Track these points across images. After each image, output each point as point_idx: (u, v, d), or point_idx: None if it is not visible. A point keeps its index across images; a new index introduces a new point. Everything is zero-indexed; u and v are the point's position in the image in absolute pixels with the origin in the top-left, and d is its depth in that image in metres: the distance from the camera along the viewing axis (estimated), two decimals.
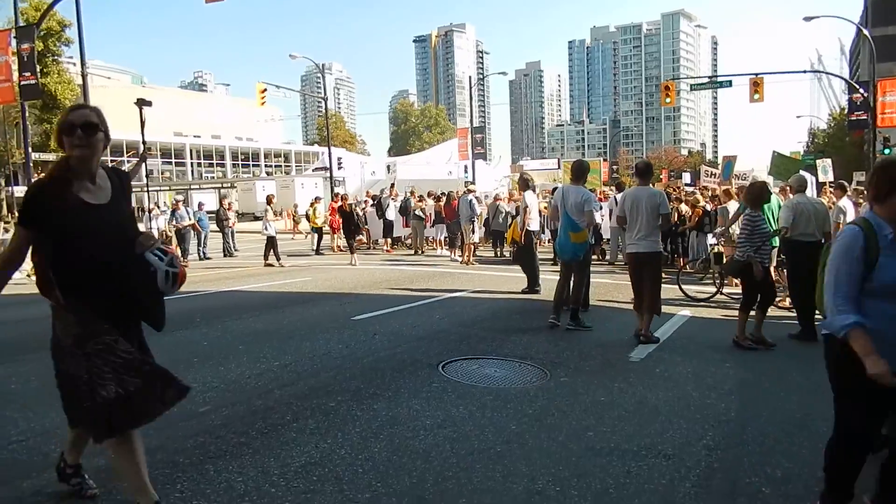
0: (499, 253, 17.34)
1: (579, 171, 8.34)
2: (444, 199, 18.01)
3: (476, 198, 16.90)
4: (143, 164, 35.84)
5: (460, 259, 15.97)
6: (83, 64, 21.60)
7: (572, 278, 7.87)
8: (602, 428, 4.33)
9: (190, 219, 18.28)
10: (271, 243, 15.82)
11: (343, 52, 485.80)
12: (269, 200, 17.35)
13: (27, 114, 22.27)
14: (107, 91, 54.88)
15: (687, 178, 47.51)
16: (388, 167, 45.45)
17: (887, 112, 26.56)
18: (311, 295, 10.79)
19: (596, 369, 5.87)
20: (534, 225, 10.90)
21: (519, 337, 7.19)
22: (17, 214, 3.05)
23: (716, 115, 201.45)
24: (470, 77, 62.74)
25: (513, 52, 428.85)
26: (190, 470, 3.59)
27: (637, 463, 3.76)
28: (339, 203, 18.00)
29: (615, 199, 15.12)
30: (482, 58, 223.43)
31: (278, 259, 15.72)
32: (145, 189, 31.41)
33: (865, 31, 33.81)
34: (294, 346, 6.66)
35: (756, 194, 6.87)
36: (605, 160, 75.96)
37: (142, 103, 22.71)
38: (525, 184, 11.27)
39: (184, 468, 3.60)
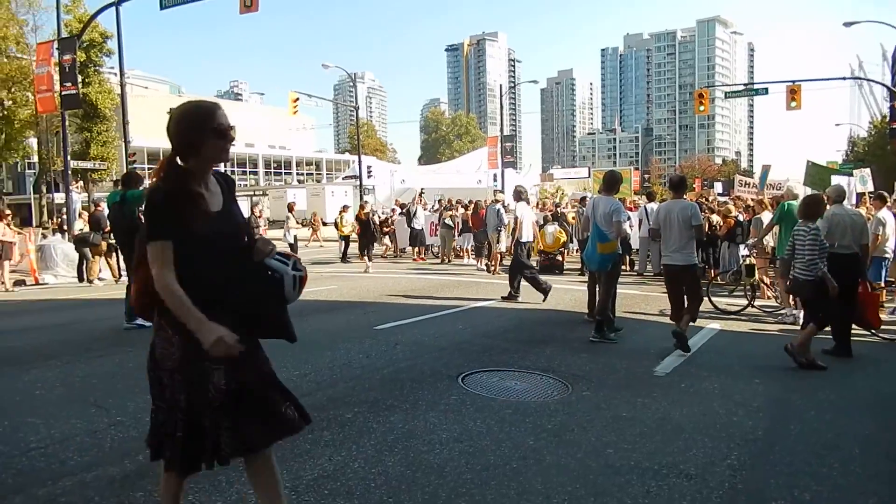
0: None
1: (611, 182, 8.29)
2: (472, 207, 17.98)
3: (504, 206, 16.80)
4: None
5: (487, 268, 15.90)
6: (122, 74, 22.23)
7: (599, 288, 7.82)
8: (623, 445, 4.22)
9: None
10: (291, 250, 15.98)
11: (375, 61, 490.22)
12: (290, 208, 17.57)
13: (67, 123, 22.95)
14: (145, 101, 56.01)
15: (719, 188, 46.59)
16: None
17: None
18: (336, 303, 10.83)
19: (619, 383, 5.74)
20: (525, 237, 10.86)
21: (542, 349, 7.09)
22: (148, 228, 2.37)
23: (751, 123, 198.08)
24: (501, 85, 62.56)
25: (545, 61, 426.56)
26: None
27: (657, 482, 3.64)
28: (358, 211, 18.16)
29: (645, 210, 14.92)
30: (514, 66, 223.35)
31: None
32: None
33: None
34: (315, 356, 6.64)
35: (814, 207, 6.64)
36: (636, 169, 75.21)
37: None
38: (518, 196, 11.27)
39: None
